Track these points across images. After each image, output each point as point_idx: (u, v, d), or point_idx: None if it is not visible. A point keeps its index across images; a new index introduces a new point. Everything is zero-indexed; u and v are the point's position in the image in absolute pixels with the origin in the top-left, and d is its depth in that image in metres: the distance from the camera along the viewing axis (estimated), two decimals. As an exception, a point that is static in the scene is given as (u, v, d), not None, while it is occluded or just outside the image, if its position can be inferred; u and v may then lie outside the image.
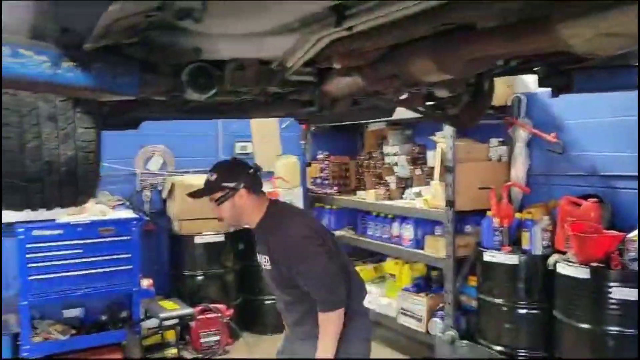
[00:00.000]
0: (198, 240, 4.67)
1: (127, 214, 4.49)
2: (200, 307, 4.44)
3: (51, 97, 1.60)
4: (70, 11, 0.98)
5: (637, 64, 1.90)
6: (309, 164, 5.51)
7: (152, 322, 4.35)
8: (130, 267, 4.37)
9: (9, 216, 4.19)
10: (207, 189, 2.33)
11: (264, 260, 2.36)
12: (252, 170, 2.38)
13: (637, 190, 3.33)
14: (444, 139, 3.90)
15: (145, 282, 4.55)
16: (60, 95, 1.27)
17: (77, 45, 1.22)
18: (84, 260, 4.25)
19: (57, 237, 4.17)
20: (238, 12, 1.28)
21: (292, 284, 2.28)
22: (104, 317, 4.61)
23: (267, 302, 4.96)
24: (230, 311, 4.56)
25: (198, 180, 4.82)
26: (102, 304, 4.65)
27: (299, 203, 5.26)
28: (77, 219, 4.24)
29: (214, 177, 2.32)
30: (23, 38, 1.10)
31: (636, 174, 3.26)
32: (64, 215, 4.27)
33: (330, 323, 2.24)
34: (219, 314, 4.47)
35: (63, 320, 4.48)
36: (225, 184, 2.29)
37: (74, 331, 4.37)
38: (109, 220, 4.32)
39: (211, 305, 4.47)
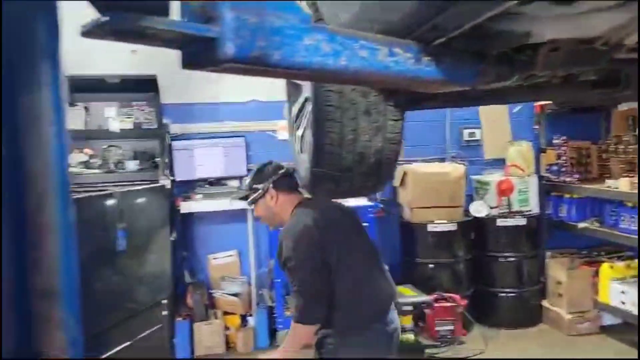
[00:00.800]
0: (430, 228, 4.68)
1: (363, 201, 4.69)
2: (435, 295, 4.45)
3: (368, 92, 1.70)
4: (462, 9, 1.00)
5: None
6: (544, 150, 5.14)
7: (388, 306, 4.49)
8: (368, 252, 4.57)
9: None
10: (244, 193, 2.50)
11: None
12: (283, 171, 2.44)
13: None
14: None
15: (381, 267, 4.72)
16: (418, 89, 1.33)
17: (428, 40, 1.25)
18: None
19: (304, 222, 4.54)
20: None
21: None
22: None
23: (501, 294, 4.79)
24: (465, 301, 4.49)
25: (429, 169, 4.88)
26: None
27: (534, 192, 4.95)
28: (321, 206, 4.56)
29: (247, 181, 2.50)
30: (392, 37, 1.16)
31: None
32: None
33: (294, 334, 2.25)
34: (454, 304, 4.43)
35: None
36: (255, 186, 2.43)
37: (317, 309, 4.74)
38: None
39: (446, 295, 4.45)
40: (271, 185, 2.40)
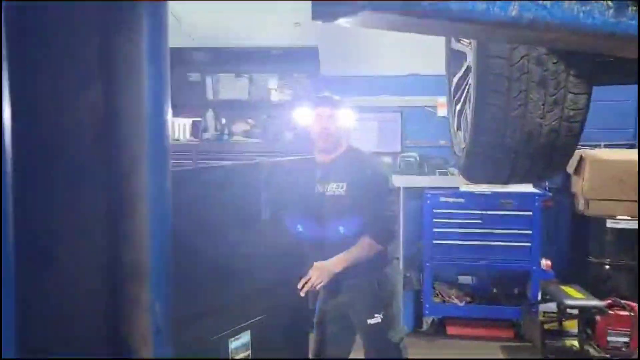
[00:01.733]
0: (610, 224, 4.06)
1: (528, 187, 4.23)
2: (608, 301, 3.87)
3: (544, 58, 1.41)
4: None
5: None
6: None
7: (550, 306, 4.04)
8: (529, 244, 4.16)
9: (417, 181, 4.48)
10: (337, 103, 2.61)
11: (334, 187, 2.52)
12: None
13: None
14: None
15: (544, 262, 4.25)
16: (617, 52, 1.04)
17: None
18: (482, 230, 4.24)
19: (460, 205, 4.25)
20: None
21: (359, 212, 2.45)
22: (494, 290, 4.55)
23: (695, 309, 4.02)
24: (646, 312, 3.84)
25: (613, 155, 4.22)
26: (492, 275, 4.59)
27: None
28: (480, 189, 4.21)
29: (340, 99, 2.65)
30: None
31: None
32: (464, 184, 4.33)
33: (367, 250, 2.44)
34: (632, 313, 3.82)
35: (457, 285, 4.60)
36: (344, 108, 2.64)
37: (468, 299, 4.44)
38: (511, 193, 4.16)
39: (623, 301, 3.85)
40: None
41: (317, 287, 2.46)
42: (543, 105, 1.46)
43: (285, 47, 4.43)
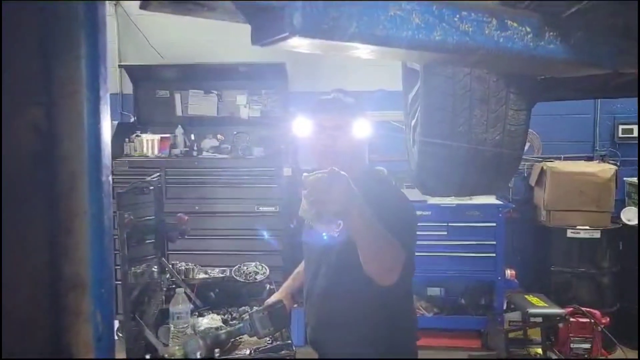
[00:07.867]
0: (570, 234, 4.19)
1: (491, 199, 4.35)
2: (570, 309, 3.99)
3: (485, 77, 1.49)
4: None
5: None
6: None
7: (515, 315, 4.13)
8: (494, 254, 4.25)
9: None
10: (349, 108, 1.79)
11: (325, 227, 1.52)
12: None
13: None
14: None
15: (508, 272, 4.35)
16: (536, 72, 1.12)
17: (555, 12, 1.03)
18: (448, 242, 4.32)
19: (426, 218, 4.32)
20: None
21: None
22: (463, 301, 4.63)
23: (653, 315, 4.16)
24: (606, 319, 3.96)
25: (573, 167, 4.38)
26: (460, 287, 4.67)
27: None
28: (445, 202, 4.30)
29: (353, 101, 1.85)
30: (509, 8, 0.97)
31: None
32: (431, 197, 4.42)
33: (389, 240, 1.46)
34: (592, 320, 3.93)
35: (426, 297, 4.67)
36: (364, 115, 1.84)
37: (436, 310, 4.51)
38: (475, 205, 4.27)
39: (584, 309, 3.97)
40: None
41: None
42: (486, 120, 1.54)
43: (253, 64, 4.48)
